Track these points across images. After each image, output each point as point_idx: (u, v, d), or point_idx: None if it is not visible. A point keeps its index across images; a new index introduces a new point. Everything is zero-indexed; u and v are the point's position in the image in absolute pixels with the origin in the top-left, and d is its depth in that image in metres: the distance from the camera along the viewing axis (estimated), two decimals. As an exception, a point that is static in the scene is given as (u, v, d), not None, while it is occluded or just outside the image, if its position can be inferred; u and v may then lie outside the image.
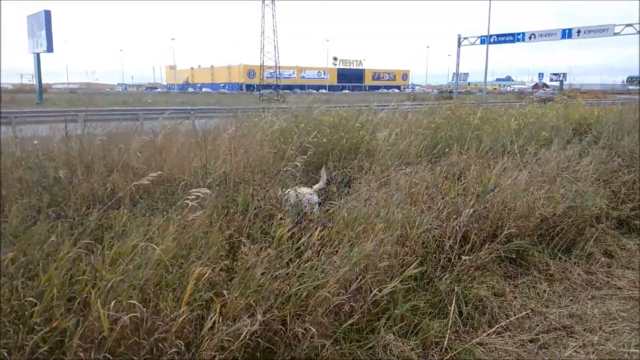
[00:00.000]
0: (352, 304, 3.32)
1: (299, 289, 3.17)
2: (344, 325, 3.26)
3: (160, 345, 2.52)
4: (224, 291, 2.98)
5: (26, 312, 2.49)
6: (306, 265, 3.39)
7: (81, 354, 2.36)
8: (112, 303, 2.47)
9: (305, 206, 5.00)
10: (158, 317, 2.60)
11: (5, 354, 2.33)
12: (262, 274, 3.14)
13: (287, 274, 3.28)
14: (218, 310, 2.79)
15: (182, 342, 2.54)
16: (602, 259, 5.18)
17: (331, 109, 9.61)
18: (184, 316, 2.61)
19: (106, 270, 2.77)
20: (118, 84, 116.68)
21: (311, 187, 5.59)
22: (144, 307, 2.61)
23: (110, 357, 2.37)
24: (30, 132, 7.93)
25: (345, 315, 3.34)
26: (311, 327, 2.99)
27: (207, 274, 2.93)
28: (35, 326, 2.42)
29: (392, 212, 4.27)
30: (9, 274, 2.81)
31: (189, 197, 3.28)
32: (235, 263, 3.32)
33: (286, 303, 3.09)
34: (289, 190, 5.01)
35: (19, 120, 14.17)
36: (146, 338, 2.53)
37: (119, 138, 7.14)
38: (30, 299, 2.49)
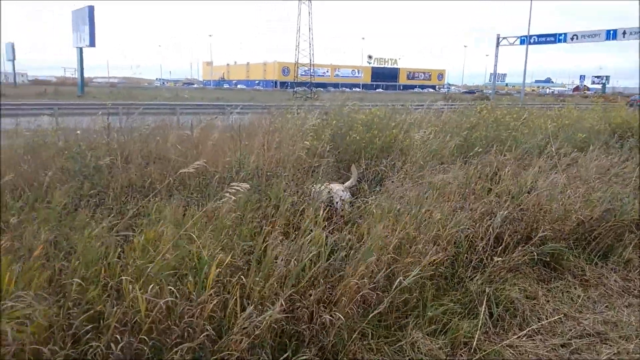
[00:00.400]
0: (378, 292, 3.33)
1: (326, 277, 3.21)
2: (370, 316, 3.27)
3: (189, 329, 2.59)
4: (246, 278, 3.06)
5: (65, 292, 2.61)
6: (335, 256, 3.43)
7: (117, 336, 2.46)
8: (150, 287, 2.55)
9: (337, 202, 5.03)
10: (187, 302, 2.68)
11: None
12: (287, 261, 3.18)
13: (312, 262, 3.31)
14: (237, 295, 2.85)
15: (210, 327, 2.61)
16: (641, 266, 5.01)
17: (365, 108, 9.60)
18: (213, 302, 2.67)
19: (137, 256, 2.86)
20: (156, 79, 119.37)
21: (342, 184, 5.61)
22: (176, 291, 2.69)
23: (147, 340, 2.45)
24: (72, 124, 8.21)
25: (373, 307, 3.35)
26: (338, 314, 3.02)
27: (228, 260, 3.00)
28: (74, 306, 2.53)
29: (426, 210, 4.25)
30: (51, 256, 2.94)
31: (230, 190, 3.35)
32: (263, 253, 3.38)
33: (311, 289, 3.13)
34: (320, 186, 5.05)
35: (61, 112, 14.72)
36: (177, 323, 2.62)
37: (157, 131, 7.34)
38: (69, 280, 2.60)
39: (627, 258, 5.02)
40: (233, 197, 3.31)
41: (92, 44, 37.96)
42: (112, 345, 2.36)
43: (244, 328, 2.66)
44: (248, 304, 2.83)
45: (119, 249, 3.05)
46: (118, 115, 8.29)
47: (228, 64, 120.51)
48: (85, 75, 44.50)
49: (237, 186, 3.33)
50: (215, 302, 2.69)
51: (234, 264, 3.12)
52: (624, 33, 43.32)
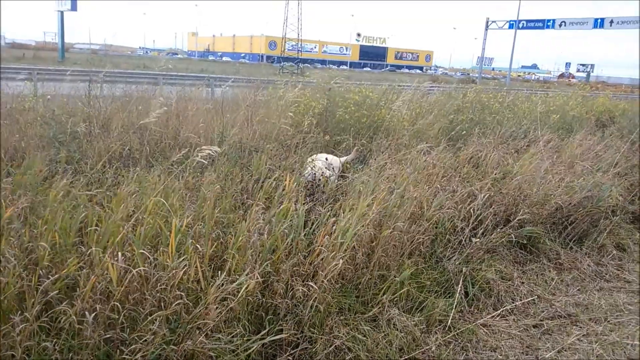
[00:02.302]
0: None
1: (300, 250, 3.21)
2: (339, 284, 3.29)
3: (164, 298, 2.58)
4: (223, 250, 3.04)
5: (38, 257, 2.56)
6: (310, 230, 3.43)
7: (91, 305, 2.43)
8: (120, 256, 2.52)
9: (319, 179, 5.00)
10: (162, 271, 2.66)
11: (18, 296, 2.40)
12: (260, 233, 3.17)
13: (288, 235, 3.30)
14: (212, 265, 2.83)
15: (184, 296, 2.60)
16: (614, 251, 5.13)
17: (354, 85, 9.51)
18: (182, 269, 2.65)
19: (113, 224, 2.82)
20: (139, 48, 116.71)
21: (339, 157, 5.57)
22: (151, 258, 2.67)
23: (120, 308, 2.43)
24: (52, 89, 7.98)
25: (351, 285, 3.37)
26: (313, 285, 3.02)
27: (204, 230, 2.97)
28: (46, 272, 2.48)
29: (406, 188, 4.25)
30: (25, 223, 2.88)
31: (200, 153, 3.30)
32: (238, 223, 3.35)
33: (286, 262, 3.13)
34: (313, 157, 5.02)
35: (41, 77, 14.29)
36: (152, 292, 2.60)
37: (138, 100, 7.19)
38: (43, 244, 2.55)
39: (601, 243, 5.13)
40: (205, 162, 3.27)
41: (73, 7, 36.81)
42: (87, 313, 2.33)
43: (218, 297, 2.65)
44: (225, 275, 2.82)
45: (95, 218, 3.00)
46: (99, 83, 8.09)
47: (214, 36, 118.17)
48: (66, 40, 43.30)
49: (207, 149, 3.28)
50: (184, 269, 2.66)
51: (210, 236, 3.09)
52: (611, 22, 43.54)
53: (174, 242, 2.71)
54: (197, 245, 2.87)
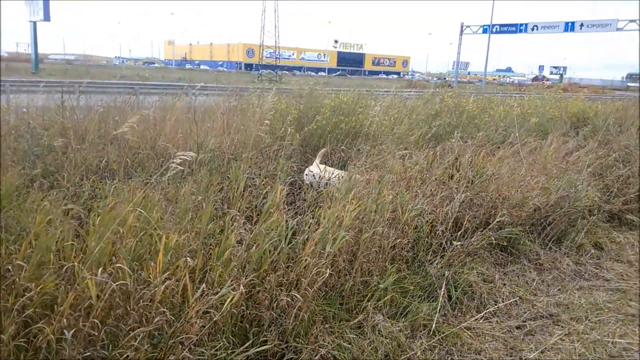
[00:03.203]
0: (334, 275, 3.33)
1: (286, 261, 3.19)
2: (323, 292, 3.28)
3: (146, 313, 2.53)
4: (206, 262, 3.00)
5: (15, 277, 2.49)
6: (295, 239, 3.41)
7: (71, 321, 2.37)
8: (100, 271, 2.46)
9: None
10: (145, 285, 2.61)
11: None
12: (248, 246, 3.14)
13: (276, 247, 3.28)
14: (196, 279, 2.79)
15: (167, 311, 2.55)
16: (592, 250, 5.23)
17: (331, 93, 9.54)
18: (165, 284, 2.60)
19: (93, 238, 2.76)
20: (115, 57, 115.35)
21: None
22: (133, 274, 2.62)
23: (100, 325, 2.38)
24: (26, 102, 7.82)
25: (335, 292, 3.36)
26: (297, 295, 3.00)
27: (186, 243, 2.92)
28: (24, 291, 2.42)
29: (383, 193, 4.26)
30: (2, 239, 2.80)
31: (175, 160, 3.27)
32: (225, 237, 3.32)
33: (271, 273, 3.10)
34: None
35: (15, 89, 13.98)
36: (134, 307, 2.54)
37: (115, 111, 7.09)
38: (21, 262, 2.48)
39: (580, 243, 5.23)
40: (180, 168, 3.23)
41: (46, 18, 36.20)
42: (65, 331, 2.27)
43: (200, 311, 2.61)
44: (207, 288, 2.78)
45: (73, 233, 2.93)
46: (75, 94, 7.96)
47: (191, 44, 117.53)
48: (40, 51, 42.51)
49: (182, 156, 3.24)
50: (166, 284, 2.61)
51: (191, 248, 3.05)
52: (581, 25, 44.65)
53: (162, 258, 2.66)
54: (187, 259, 2.81)
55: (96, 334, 2.35)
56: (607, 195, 6.38)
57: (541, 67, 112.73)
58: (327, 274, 3.16)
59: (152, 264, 2.65)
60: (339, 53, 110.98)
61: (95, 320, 2.36)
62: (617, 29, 42.56)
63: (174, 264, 2.77)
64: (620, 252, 5.34)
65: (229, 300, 2.67)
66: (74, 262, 2.58)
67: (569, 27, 45.47)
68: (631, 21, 41.26)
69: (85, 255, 2.68)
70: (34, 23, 37.56)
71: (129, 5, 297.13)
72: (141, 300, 2.54)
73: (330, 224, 3.48)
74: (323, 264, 3.20)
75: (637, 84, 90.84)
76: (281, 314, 3.02)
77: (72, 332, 2.27)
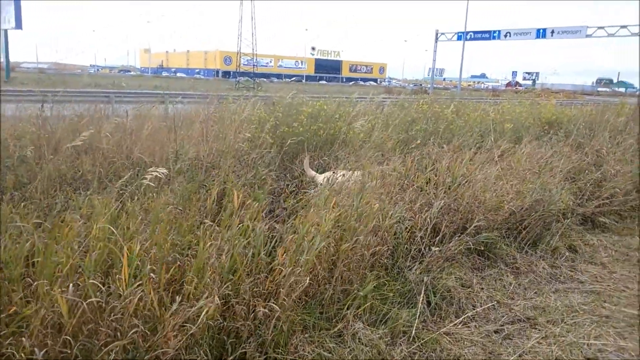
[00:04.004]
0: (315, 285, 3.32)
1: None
2: (302, 301, 3.26)
3: (119, 327, 2.47)
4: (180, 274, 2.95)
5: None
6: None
7: (40, 339, 2.30)
8: (69, 286, 2.40)
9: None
10: (117, 299, 2.55)
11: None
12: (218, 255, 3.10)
13: (253, 255, 3.25)
14: (170, 290, 2.75)
15: (141, 324, 2.50)
16: (567, 253, 5.32)
17: (309, 100, 9.55)
18: (137, 296, 2.55)
19: (64, 253, 2.69)
20: (90, 66, 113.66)
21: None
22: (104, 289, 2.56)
23: (72, 342, 2.31)
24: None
25: (315, 301, 3.34)
26: (275, 306, 2.98)
27: (160, 255, 2.87)
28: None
29: (368, 202, 4.26)
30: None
31: (146, 177, 3.22)
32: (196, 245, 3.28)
33: (247, 283, 3.07)
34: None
35: (-16, 99, 13.65)
36: (107, 322, 2.49)
37: (89, 120, 6.97)
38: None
39: (555, 246, 5.32)
40: (152, 185, 3.18)
41: (18, 26, 35.49)
42: (36, 350, 2.20)
43: (176, 324, 2.57)
44: (183, 300, 2.73)
45: (43, 247, 2.85)
46: (48, 103, 7.79)
47: (167, 52, 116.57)
48: (12, 59, 41.62)
49: (154, 171, 3.21)
50: (138, 296, 2.56)
51: (166, 260, 3.00)
52: (552, 32, 45.73)
53: (127, 268, 2.60)
54: (153, 270, 2.76)
55: (69, 351, 2.29)
56: (580, 199, 6.52)
57: (514, 73, 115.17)
58: (306, 283, 3.14)
59: (118, 276, 2.60)
60: (317, 60, 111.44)
61: (68, 338, 2.30)
62: (587, 36, 43.69)
63: (146, 276, 2.71)
64: (593, 255, 5.45)
65: (204, 312, 2.62)
66: (39, 278, 2.51)
67: (541, 33, 46.50)
68: (599, 28, 42.42)
69: (53, 270, 2.61)
70: (5, 31, 36.77)
71: (104, 13, 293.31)
72: (112, 313, 2.48)
73: (304, 231, 3.46)
74: (299, 272, 3.17)
75: (607, 89, 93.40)
76: (259, 324, 2.99)
77: (43, 351, 2.21)
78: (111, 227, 2.90)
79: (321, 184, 4.94)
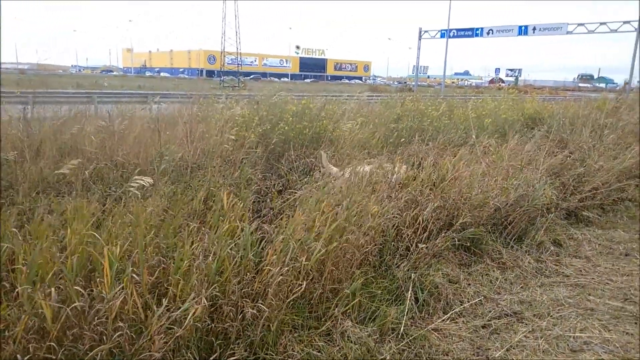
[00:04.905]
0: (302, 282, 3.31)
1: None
2: (291, 301, 3.24)
3: (104, 331, 2.43)
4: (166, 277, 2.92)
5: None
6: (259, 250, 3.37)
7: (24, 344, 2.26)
8: (52, 291, 2.36)
9: None
10: (101, 303, 2.51)
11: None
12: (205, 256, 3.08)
13: (241, 257, 3.23)
14: (155, 293, 2.72)
15: (126, 328, 2.46)
16: (552, 247, 5.38)
17: (294, 99, 9.53)
18: (119, 299, 2.51)
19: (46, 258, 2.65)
20: (72, 66, 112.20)
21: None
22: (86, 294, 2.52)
23: (56, 347, 2.27)
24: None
25: (303, 300, 3.33)
26: (263, 306, 2.96)
27: (144, 258, 2.84)
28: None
29: (361, 202, 4.24)
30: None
31: (132, 185, 3.19)
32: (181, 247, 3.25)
33: (234, 283, 3.05)
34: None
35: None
36: (91, 326, 2.45)
37: (72, 121, 6.87)
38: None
39: (539, 241, 5.37)
40: (137, 193, 3.15)
41: (-4, 26, 34.86)
42: (19, 356, 2.16)
43: (162, 326, 2.54)
44: (169, 302, 2.70)
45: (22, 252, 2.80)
46: (29, 105, 7.67)
47: (150, 51, 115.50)
48: (-10, 60, 40.86)
49: (139, 179, 3.18)
50: (121, 299, 2.52)
51: (145, 263, 2.96)
52: (534, 29, 46.19)
53: (109, 271, 2.56)
54: (135, 273, 2.72)
55: (53, 357, 2.25)
56: (564, 193, 6.60)
57: (497, 70, 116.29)
58: (302, 288, 3.13)
59: (100, 279, 2.56)
60: (301, 59, 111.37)
61: (52, 344, 2.26)
62: (568, 32, 44.20)
63: (127, 278, 2.67)
64: (578, 248, 5.52)
65: (191, 314, 2.60)
66: (20, 283, 2.46)
67: (523, 30, 46.93)
68: (579, 25, 42.95)
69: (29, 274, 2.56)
70: (-17, 31, 36.13)
71: (85, 13, 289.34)
72: (96, 317, 2.44)
73: (290, 231, 3.45)
74: (287, 271, 3.16)
75: (587, 85, 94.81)
76: (247, 326, 2.97)
77: (26, 358, 2.17)
78: (91, 231, 2.86)
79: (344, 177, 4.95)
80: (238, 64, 56.11)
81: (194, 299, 2.69)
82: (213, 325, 2.89)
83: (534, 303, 4.16)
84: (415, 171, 5.66)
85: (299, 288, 3.14)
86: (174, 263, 2.97)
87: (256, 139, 6.57)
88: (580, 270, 4.94)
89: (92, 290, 2.57)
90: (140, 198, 3.88)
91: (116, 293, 2.53)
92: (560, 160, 7.16)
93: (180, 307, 2.62)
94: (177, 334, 2.57)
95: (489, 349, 3.48)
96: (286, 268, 3.19)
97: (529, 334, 3.66)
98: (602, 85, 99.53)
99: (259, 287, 3.13)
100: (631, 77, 40.05)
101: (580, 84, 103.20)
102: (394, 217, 4.49)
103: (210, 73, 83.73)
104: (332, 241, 3.72)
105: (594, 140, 8.57)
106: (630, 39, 39.36)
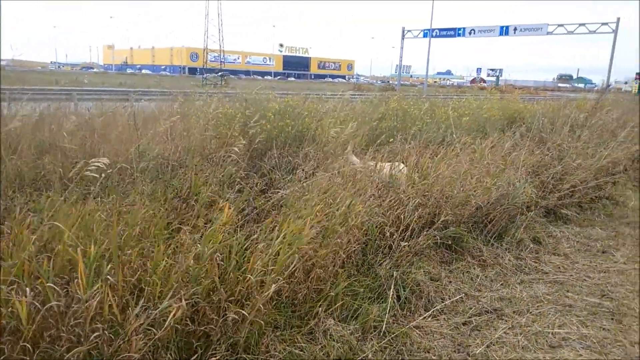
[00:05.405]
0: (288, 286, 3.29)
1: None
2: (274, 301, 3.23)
3: (81, 332, 2.39)
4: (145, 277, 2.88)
5: None
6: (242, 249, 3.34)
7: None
8: (27, 290, 2.31)
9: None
10: (78, 303, 2.46)
11: None
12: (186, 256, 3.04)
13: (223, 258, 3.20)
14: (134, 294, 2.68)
15: (103, 328, 2.42)
16: (531, 245, 5.46)
17: (278, 97, 9.49)
18: (96, 299, 2.46)
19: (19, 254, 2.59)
20: (51, 62, 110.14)
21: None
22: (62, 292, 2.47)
23: (32, 349, 2.23)
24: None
25: (287, 301, 3.32)
26: (244, 311, 2.94)
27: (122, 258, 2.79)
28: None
29: (351, 203, 4.24)
30: None
31: (89, 168, 3.14)
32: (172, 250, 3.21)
33: (217, 286, 3.02)
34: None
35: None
36: (67, 326, 2.40)
37: (51, 118, 6.75)
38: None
39: (519, 238, 5.45)
40: (96, 176, 3.10)
41: (-28, 21, 34.09)
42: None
43: (140, 327, 2.50)
44: (146, 304, 2.66)
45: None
46: (5, 102, 7.50)
47: (132, 48, 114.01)
48: (-35, 56, 39.96)
49: (96, 162, 3.13)
50: (97, 299, 2.48)
51: (127, 262, 2.91)
52: (515, 29, 46.79)
53: (84, 270, 2.51)
54: (111, 272, 2.66)
55: (28, 359, 2.20)
56: (543, 192, 6.70)
57: (479, 70, 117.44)
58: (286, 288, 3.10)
59: (76, 280, 2.51)
60: (285, 57, 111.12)
61: (27, 345, 2.21)
62: (548, 33, 44.89)
63: (104, 278, 2.63)
64: (556, 246, 5.61)
65: (171, 315, 2.56)
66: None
67: (504, 30, 47.52)
68: (559, 25, 43.63)
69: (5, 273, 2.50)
70: (-42, 26, 35.29)
71: (64, 9, 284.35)
72: (74, 318, 2.39)
73: (273, 234, 3.44)
74: (272, 270, 3.14)
75: (567, 85, 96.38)
76: (230, 326, 2.94)
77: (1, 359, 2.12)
78: (67, 229, 2.81)
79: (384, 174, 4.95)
80: (221, 62, 55.67)
81: (171, 298, 2.65)
82: (194, 327, 2.86)
83: (513, 300, 4.22)
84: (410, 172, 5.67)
85: (285, 288, 3.12)
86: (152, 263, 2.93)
87: (239, 137, 6.52)
88: (559, 267, 5.02)
89: (68, 291, 2.52)
90: (120, 195, 3.83)
91: (92, 293, 2.47)
92: (539, 158, 7.26)
93: (158, 307, 2.57)
94: (157, 336, 2.53)
95: (470, 345, 3.51)
96: (272, 272, 3.16)
97: (508, 331, 3.71)
98: (581, 85, 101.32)
99: (242, 290, 3.10)
100: (609, 77, 40.87)
101: (560, 84, 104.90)
102: (377, 215, 4.50)
103: (192, 70, 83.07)
104: (322, 247, 3.71)
105: (572, 138, 8.71)
106: (608, 40, 40.15)
